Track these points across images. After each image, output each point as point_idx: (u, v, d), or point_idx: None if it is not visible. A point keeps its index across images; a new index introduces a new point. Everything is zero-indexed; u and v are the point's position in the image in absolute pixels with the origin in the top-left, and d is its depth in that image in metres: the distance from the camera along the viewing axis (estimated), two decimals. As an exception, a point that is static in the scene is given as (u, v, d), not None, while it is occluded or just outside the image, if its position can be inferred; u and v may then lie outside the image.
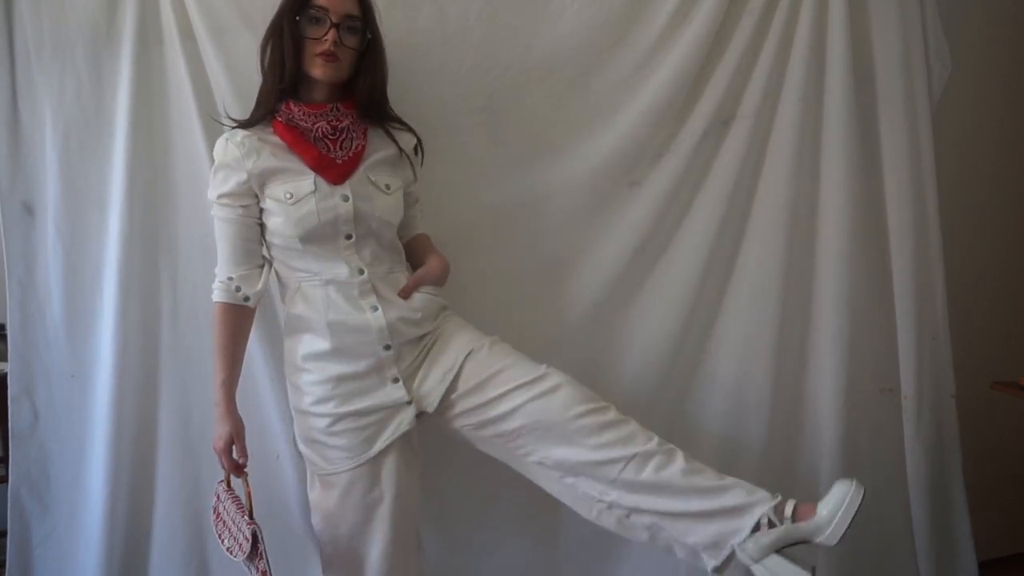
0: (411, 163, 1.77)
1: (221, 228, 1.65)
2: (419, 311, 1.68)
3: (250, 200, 1.63)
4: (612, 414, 1.62)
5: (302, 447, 1.70)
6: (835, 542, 1.51)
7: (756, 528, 1.53)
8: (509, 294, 1.98)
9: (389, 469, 1.64)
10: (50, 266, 1.91)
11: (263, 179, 1.62)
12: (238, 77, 1.85)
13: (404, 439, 1.67)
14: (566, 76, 1.97)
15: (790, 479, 2.12)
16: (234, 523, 1.58)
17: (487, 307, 1.88)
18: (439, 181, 1.90)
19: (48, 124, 1.88)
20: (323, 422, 1.62)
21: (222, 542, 1.61)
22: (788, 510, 1.53)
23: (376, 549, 1.64)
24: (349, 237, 1.64)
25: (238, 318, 1.65)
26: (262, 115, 1.65)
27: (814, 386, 2.10)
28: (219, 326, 1.64)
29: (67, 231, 1.91)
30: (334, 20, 1.60)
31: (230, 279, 1.63)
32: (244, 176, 1.61)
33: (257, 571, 1.53)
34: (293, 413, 1.72)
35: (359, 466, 1.62)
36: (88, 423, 1.94)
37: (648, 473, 1.57)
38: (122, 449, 1.92)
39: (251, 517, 1.55)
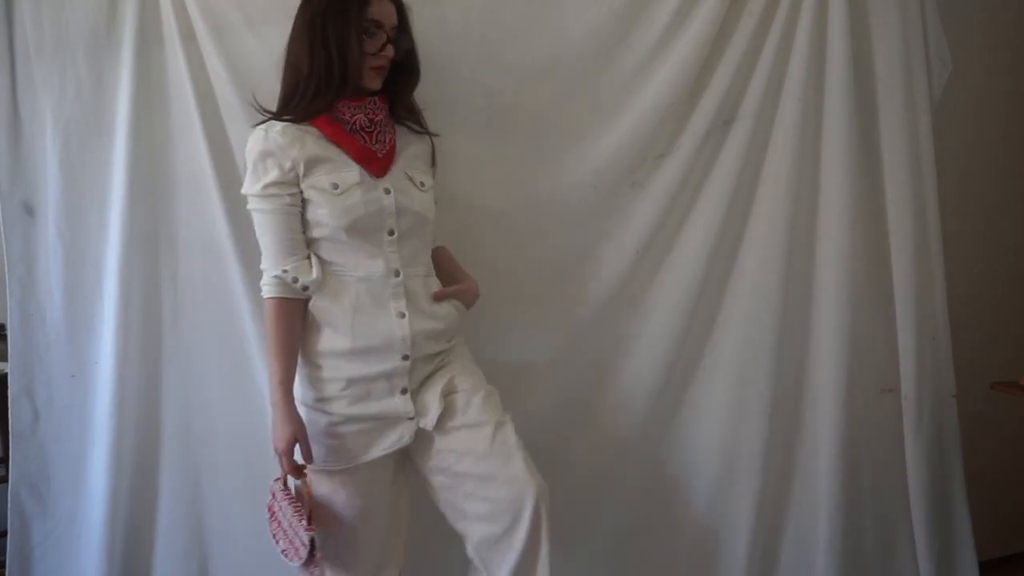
0: (434, 165, 1.77)
1: (267, 220, 1.58)
2: (442, 322, 1.66)
3: (295, 189, 1.58)
4: None
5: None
6: None
7: None
8: (510, 294, 1.98)
9: (379, 479, 1.64)
10: (50, 266, 1.92)
11: (308, 168, 1.57)
12: (239, 77, 1.85)
13: (400, 454, 1.66)
14: (567, 76, 1.97)
15: (790, 479, 2.12)
16: (290, 526, 1.54)
17: (488, 307, 1.87)
18: (439, 181, 1.90)
19: (48, 124, 1.88)
20: (326, 420, 1.60)
21: (276, 543, 1.57)
22: None
23: (349, 553, 1.62)
24: (391, 233, 1.61)
25: (295, 312, 1.59)
26: (306, 115, 1.59)
27: (814, 386, 2.10)
28: (275, 323, 1.57)
29: (67, 231, 1.91)
30: (389, 35, 1.60)
31: (285, 271, 1.57)
32: (289, 164, 1.56)
33: None
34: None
35: (348, 468, 1.60)
36: (88, 423, 1.94)
37: None
38: (123, 449, 1.92)
39: (310, 522, 1.51)
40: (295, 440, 1.54)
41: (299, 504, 1.55)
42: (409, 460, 1.70)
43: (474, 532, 1.61)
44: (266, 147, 1.57)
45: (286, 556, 1.54)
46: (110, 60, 1.88)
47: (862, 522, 2.14)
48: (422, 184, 1.68)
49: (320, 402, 1.60)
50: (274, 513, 1.60)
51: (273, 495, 1.62)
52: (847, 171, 2.05)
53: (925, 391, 2.12)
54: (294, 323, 1.58)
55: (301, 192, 1.58)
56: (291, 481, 1.59)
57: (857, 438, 2.10)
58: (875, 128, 2.10)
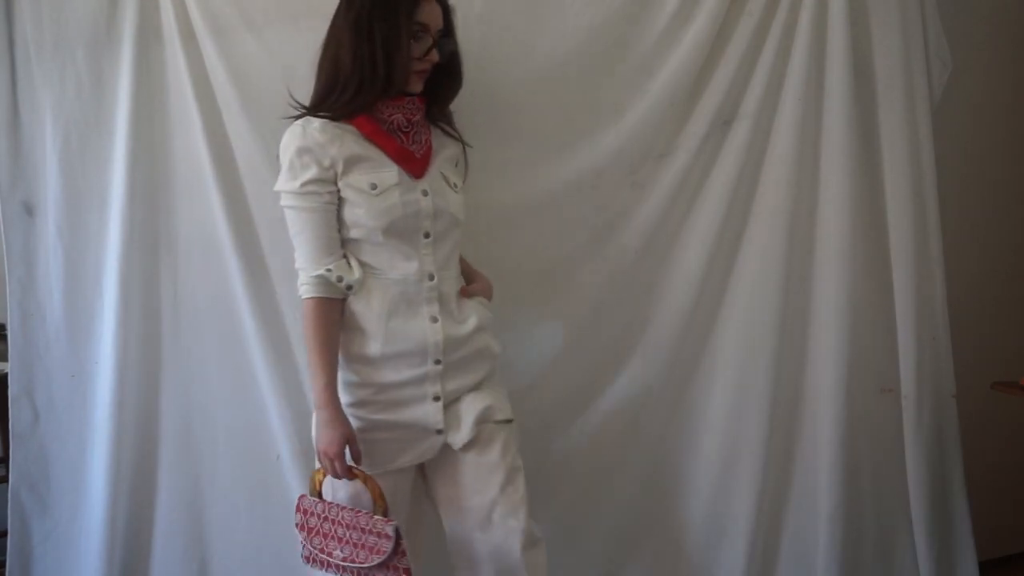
0: (465, 169, 1.75)
1: (305, 219, 1.53)
2: (471, 324, 1.62)
3: (334, 187, 1.53)
4: None
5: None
6: None
7: None
8: (510, 294, 1.98)
9: (403, 490, 1.61)
10: (50, 266, 1.92)
11: (347, 167, 1.53)
12: (239, 76, 1.86)
13: (419, 472, 1.64)
14: (567, 77, 1.97)
15: (790, 479, 2.12)
16: (353, 528, 1.48)
17: (490, 307, 1.88)
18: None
19: (48, 124, 1.88)
20: (357, 424, 1.55)
21: (328, 555, 1.50)
22: None
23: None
24: (427, 235, 1.58)
25: (335, 312, 1.54)
26: (345, 114, 1.55)
27: (814, 386, 2.10)
28: (317, 324, 1.51)
29: (67, 231, 1.91)
30: (435, 38, 1.57)
31: (328, 271, 1.52)
32: (328, 161, 1.52)
33: (400, 571, 1.46)
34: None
35: (377, 475, 1.55)
36: (88, 423, 1.94)
37: None
38: (123, 449, 1.92)
39: (386, 514, 1.48)
40: (346, 443, 1.49)
41: (358, 506, 1.50)
42: (424, 478, 1.67)
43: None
44: (304, 143, 1.52)
45: (352, 562, 1.47)
46: (110, 59, 1.88)
47: (862, 522, 2.14)
48: (455, 186, 1.65)
49: (352, 407, 1.56)
50: (314, 529, 1.53)
51: (305, 511, 1.55)
52: (847, 171, 2.05)
53: (925, 391, 2.12)
54: (334, 323, 1.54)
55: (338, 190, 1.54)
56: (329, 487, 1.55)
57: (857, 438, 2.10)
58: (875, 128, 2.09)
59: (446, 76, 1.64)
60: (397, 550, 1.44)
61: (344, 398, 1.55)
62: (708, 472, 2.08)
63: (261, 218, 1.92)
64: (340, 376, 1.56)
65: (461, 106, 1.93)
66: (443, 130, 1.70)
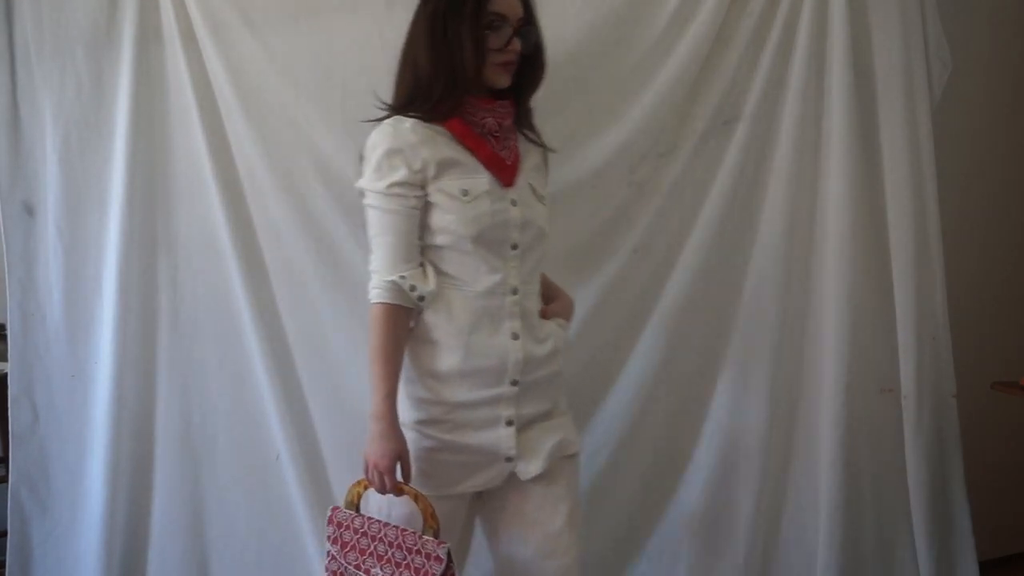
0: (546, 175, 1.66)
1: (387, 221, 1.44)
2: (550, 345, 1.54)
3: (421, 191, 1.44)
4: None
5: None
6: None
7: None
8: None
9: (457, 515, 1.52)
10: (50, 266, 1.92)
11: (439, 170, 1.44)
12: (238, 77, 1.86)
13: (481, 495, 1.55)
14: (568, 77, 1.96)
15: (790, 479, 2.12)
16: (397, 547, 1.39)
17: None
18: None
19: (48, 124, 1.88)
20: (424, 443, 1.46)
21: (365, 573, 1.41)
22: None
23: None
24: (515, 247, 1.49)
25: (403, 321, 1.45)
26: (434, 116, 1.47)
27: (814, 386, 2.10)
28: (385, 331, 1.42)
29: (67, 231, 1.91)
30: (515, 27, 1.48)
31: (403, 278, 1.43)
32: (419, 164, 1.43)
33: None
34: None
35: (449, 497, 1.48)
36: (88, 423, 1.94)
37: None
38: (121, 449, 1.92)
39: (437, 535, 1.38)
40: (398, 459, 1.40)
41: (402, 524, 1.42)
42: (481, 502, 1.58)
43: None
44: (395, 144, 1.44)
45: None
46: (110, 60, 1.88)
47: (862, 522, 2.13)
48: (541, 197, 1.57)
49: (421, 424, 1.47)
50: (350, 544, 1.44)
51: (340, 524, 1.46)
52: (847, 171, 2.05)
53: (925, 391, 2.12)
54: (401, 333, 1.45)
55: (426, 195, 1.45)
56: (373, 501, 1.46)
57: (857, 438, 2.10)
58: (875, 128, 2.09)
59: (529, 68, 1.54)
60: (446, 573, 1.35)
61: (413, 415, 1.48)
62: (708, 472, 2.08)
63: (260, 218, 1.92)
64: (408, 390, 1.48)
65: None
66: (526, 136, 1.60)
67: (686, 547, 2.09)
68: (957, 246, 2.22)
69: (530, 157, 1.59)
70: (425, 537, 1.37)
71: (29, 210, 1.91)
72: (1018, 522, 2.60)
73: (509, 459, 1.49)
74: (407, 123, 1.45)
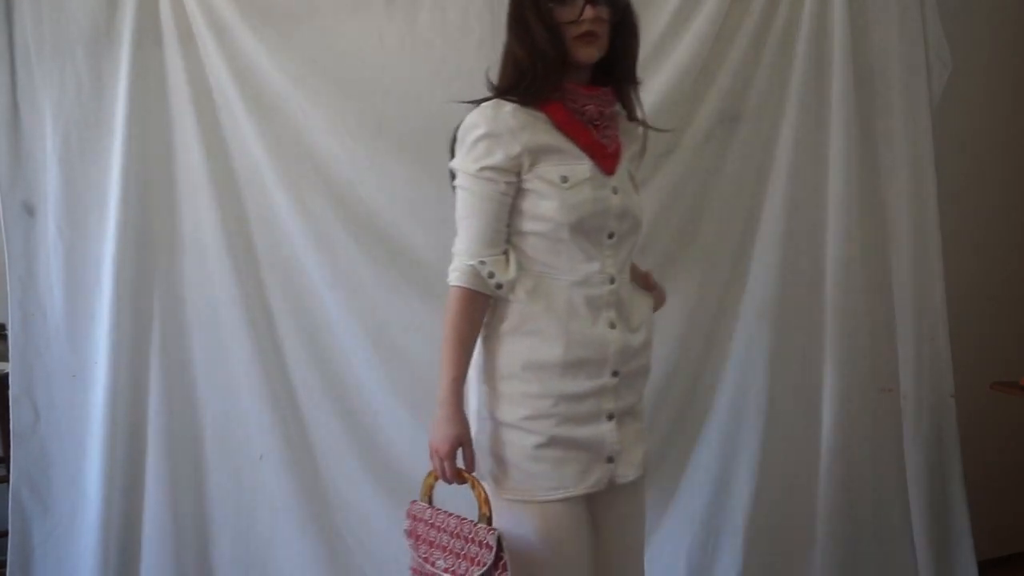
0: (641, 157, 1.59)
1: (476, 204, 1.39)
2: (644, 335, 1.49)
3: (514, 177, 1.39)
4: None
5: (483, 462, 1.42)
6: None
7: None
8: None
9: (583, 519, 1.43)
10: (50, 266, 1.92)
11: (536, 156, 1.39)
12: (239, 76, 1.86)
13: (590, 500, 1.44)
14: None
15: (790, 479, 2.12)
16: (457, 536, 1.37)
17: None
18: (440, 182, 1.90)
19: (48, 124, 1.89)
20: (532, 440, 1.38)
21: (432, 565, 1.39)
22: None
23: None
24: (611, 236, 1.44)
25: (480, 307, 1.39)
26: (533, 100, 1.41)
27: (814, 386, 2.10)
28: (460, 314, 1.37)
29: (67, 231, 1.91)
30: None
31: (482, 263, 1.38)
32: (518, 149, 1.38)
33: None
34: (476, 419, 1.44)
35: (567, 499, 1.39)
36: (88, 423, 1.95)
37: None
38: (116, 448, 1.93)
39: (490, 523, 1.35)
40: (459, 445, 1.36)
41: (460, 514, 1.39)
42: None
43: None
44: (494, 128, 1.38)
45: (453, 574, 1.35)
46: (110, 60, 1.88)
47: (862, 522, 2.14)
48: (637, 186, 1.53)
49: (528, 420, 1.39)
50: (420, 535, 1.43)
51: (414, 518, 1.45)
52: (847, 171, 2.05)
53: (924, 391, 2.12)
54: (477, 319, 1.40)
55: (519, 182, 1.40)
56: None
57: (856, 438, 2.10)
58: (875, 128, 2.10)
59: (620, 36, 1.46)
60: (498, 563, 1.31)
61: (519, 411, 1.40)
62: (708, 471, 2.08)
63: (259, 219, 1.93)
64: (510, 387, 1.41)
65: (461, 105, 1.93)
66: (629, 120, 1.53)
67: (685, 547, 2.09)
68: (956, 246, 2.22)
69: (632, 145, 1.54)
70: (479, 525, 1.34)
71: (29, 210, 1.91)
72: (1017, 522, 2.60)
73: (610, 459, 1.43)
74: (507, 107, 1.40)
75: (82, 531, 1.96)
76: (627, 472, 1.45)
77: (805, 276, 2.09)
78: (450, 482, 1.38)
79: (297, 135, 1.90)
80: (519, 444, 1.39)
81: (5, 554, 1.99)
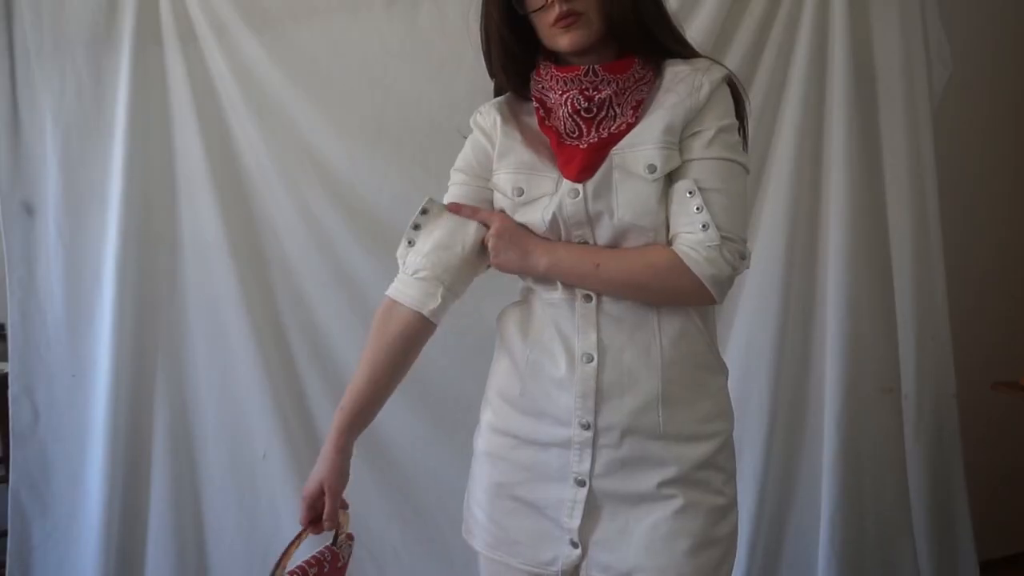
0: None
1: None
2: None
3: (483, 182, 1.24)
4: None
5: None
6: None
7: None
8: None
9: None
10: (50, 266, 1.92)
11: (497, 161, 1.22)
12: (239, 77, 1.86)
13: None
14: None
15: (790, 479, 2.12)
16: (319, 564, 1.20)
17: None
18: (441, 182, 1.89)
19: (48, 124, 1.89)
20: (480, 482, 1.20)
21: None
22: None
23: None
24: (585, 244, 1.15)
25: (399, 323, 1.24)
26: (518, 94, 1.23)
27: (814, 386, 2.10)
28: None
29: (67, 231, 1.91)
30: None
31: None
32: (482, 152, 1.25)
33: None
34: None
35: (508, 566, 1.17)
36: (88, 423, 1.95)
37: None
38: (118, 448, 1.93)
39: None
40: (321, 489, 1.16)
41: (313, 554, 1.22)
42: None
43: None
44: (473, 126, 1.25)
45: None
46: (109, 60, 1.88)
47: (862, 522, 2.13)
48: (652, 168, 1.09)
49: (483, 455, 1.21)
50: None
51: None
52: (848, 171, 2.05)
53: (925, 391, 2.12)
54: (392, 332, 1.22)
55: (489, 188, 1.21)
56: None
57: (857, 438, 2.10)
58: (876, 129, 2.09)
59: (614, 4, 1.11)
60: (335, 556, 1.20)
61: (479, 440, 1.25)
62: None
63: (259, 218, 1.93)
64: (484, 414, 1.25)
65: (462, 105, 1.93)
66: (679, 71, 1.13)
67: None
68: (958, 246, 2.22)
69: (664, 116, 1.11)
70: (326, 545, 1.22)
71: (29, 210, 1.91)
72: (1018, 522, 2.59)
73: (575, 544, 1.14)
74: (487, 106, 1.25)
75: (82, 531, 1.96)
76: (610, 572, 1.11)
77: (805, 275, 2.09)
78: (303, 527, 1.18)
79: (297, 135, 1.90)
80: (473, 475, 1.23)
81: (5, 554, 1.98)
